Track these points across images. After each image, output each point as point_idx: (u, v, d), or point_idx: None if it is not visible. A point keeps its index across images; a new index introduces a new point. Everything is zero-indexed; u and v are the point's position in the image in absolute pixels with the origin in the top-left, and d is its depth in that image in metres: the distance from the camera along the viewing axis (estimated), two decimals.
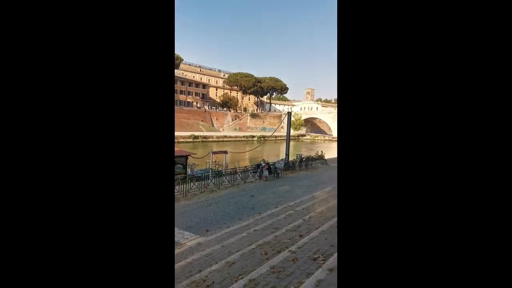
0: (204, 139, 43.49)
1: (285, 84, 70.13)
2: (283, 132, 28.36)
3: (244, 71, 66.54)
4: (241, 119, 62.67)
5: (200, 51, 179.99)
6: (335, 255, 3.61)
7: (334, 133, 59.31)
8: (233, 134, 52.42)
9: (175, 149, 12.55)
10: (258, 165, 13.78)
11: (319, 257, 3.69)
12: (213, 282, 3.30)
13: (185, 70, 65.95)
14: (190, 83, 63.01)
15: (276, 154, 29.79)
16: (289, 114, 18.05)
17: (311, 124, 68.96)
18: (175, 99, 54.59)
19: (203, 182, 11.06)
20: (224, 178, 12.01)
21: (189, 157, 14.09)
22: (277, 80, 68.80)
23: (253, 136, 51.75)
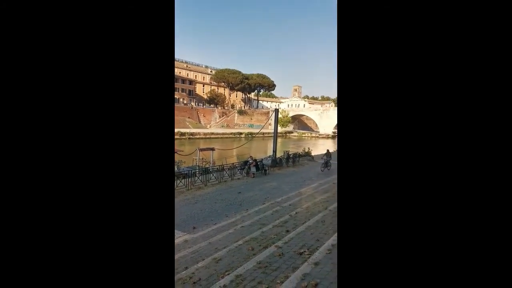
0: (191, 136, 43.09)
1: (273, 81, 70.23)
2: (271, 129, 28.43)
3: (231, 67, 66.23)
4: (228, 116, 62.37)
5: (187, 46, 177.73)
6: (321, 249, 3.68)
7: (321, 130, 60.05)
8: (220, 131, 52.14)
9: None
10: (246, 162, 13.79)
11: (305, 251, 3.75)
12: (200, 278, 3.30)
13: None
14: (177, 79, 61.99)
15: (264, 151, 29.87)
16: (277, 111, 18.12)
17: (298, 121, 69.48)
18: None
19: (190, 179, 10.97)
20: (211, 175, 11.95)
21: (175, 154, 13.92)
22: (264, 76, 68.77)
23: (241, 133, 51.65)
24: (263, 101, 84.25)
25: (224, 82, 65.88)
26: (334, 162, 14.51)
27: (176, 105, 54.76)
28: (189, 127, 48.81)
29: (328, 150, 15.73)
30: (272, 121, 22.29)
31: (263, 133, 44.48)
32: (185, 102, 61.33)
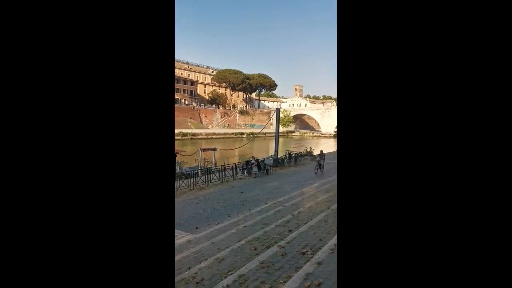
0: (193, 137, 43.17)
1: (274, 81, 70.20)
2: (272, 129, 28.42)
3: (232, 68, 66.31)
4: (230, 116, 62.43)
5: (188, 47, 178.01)
6: (324, 248, 3.68)
7: (323, 129, 59.95)
8: (222, 131, 52.22)
9: None
10: (248, 162, 13.79)
11: (307, 251, 3.75)
12: (203, 278, 3.30)
13: None
14: (178, 80, 62.14)
15: (266, 150, 29.87)
16: (278, 110, 18.09)
17: (300, 120, 69.40)
18: None
19: (192, 179, 10.98)
20: (213, 175, 11.97)
21: (178, 154, 13.95)
22: (265, 76, 68.75)
23: (242, 133, 51.70)
24: (264, 101, 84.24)
25: (225, 82, 65.93)
26: (334, 161, 14.13)
27: (178, 105, 54.91)
28: (191, 128, 48.89)
29: (321, 151, 14.62)
30: (273, 121, 22.30)
31: (265, 133, 44.49)
32: (186, 102, 61.43)
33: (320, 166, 13.67)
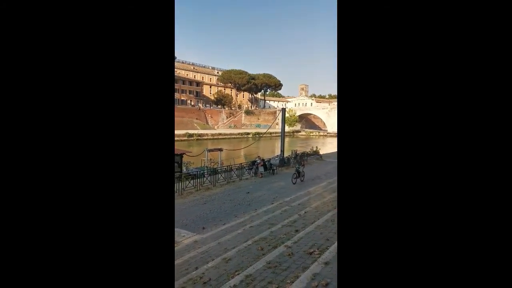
0: (199, 137, 43.37)
1: (279, 81, 70.12)
2: (278, 129, 28.37)
3: (237, 68, 66.44)
4: (235, 117, 62.55)
5: (193, 48, 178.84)
6: (331, 248, 3.65)
7: (329, 129, 59.58)
8: (228, 131, 52.36)
9: None
10: (254, 162, 13.79)
11: (314, 251, 3.72)
12: (210, 278, 3.31)
13: (178, 68, 65.35)
14: (184, 81, 62.57)
15: (271, 150, 29.84)
16: (284, 110, 18.07)
17: (306, 120, 69.12)
18: None
19: (198, 180, 11.03)
20: (219, 175, 11.99)
21: (184, 155, 14.04)
22: (271, 76, 68.71)
23: (248, 133, 51.75)
24: (270, 100, 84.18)
25: (230, 82, 66.10)
26: (334, 160, 13.78)
27: (183, 106, 55.28)
28: (197, 128, 49.14)
29: (300, 156, 12.42)
30: (279, 120, 22.26)
31: (271, 133, 44.44)
32: (192, 103, 61.78)
33: (299, 174, 11.26)
